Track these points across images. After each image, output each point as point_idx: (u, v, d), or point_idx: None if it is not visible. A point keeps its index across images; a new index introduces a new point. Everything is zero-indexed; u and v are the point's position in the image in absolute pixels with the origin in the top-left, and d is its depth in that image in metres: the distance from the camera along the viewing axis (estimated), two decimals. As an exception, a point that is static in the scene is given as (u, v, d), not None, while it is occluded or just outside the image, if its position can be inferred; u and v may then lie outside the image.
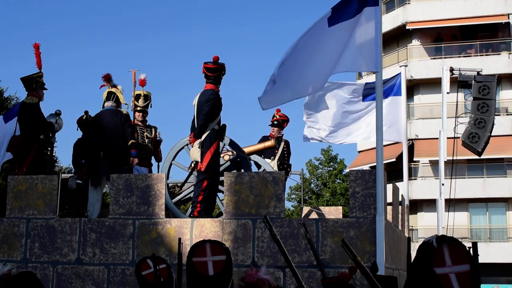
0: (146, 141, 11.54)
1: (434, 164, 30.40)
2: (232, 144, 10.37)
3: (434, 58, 35.55)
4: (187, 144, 10.14)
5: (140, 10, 73.47)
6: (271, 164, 11.70)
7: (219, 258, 3.69)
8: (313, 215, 12.23)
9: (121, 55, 72.26)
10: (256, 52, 72.72)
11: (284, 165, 12.10)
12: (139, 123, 11.58)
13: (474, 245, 3.23)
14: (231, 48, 71.17)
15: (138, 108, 11.61)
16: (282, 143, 12.25)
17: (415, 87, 35.36)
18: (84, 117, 11.48)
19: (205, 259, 3.68)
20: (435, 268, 2.84)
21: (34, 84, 10.54)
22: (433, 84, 31.98)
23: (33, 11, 72.97)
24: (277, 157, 12.06)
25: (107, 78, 10.79)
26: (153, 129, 11.76)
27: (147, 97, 11.69)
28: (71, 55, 71.07)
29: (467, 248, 2.96)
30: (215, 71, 9.58)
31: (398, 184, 10.97)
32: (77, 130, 11.55)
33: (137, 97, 11.58)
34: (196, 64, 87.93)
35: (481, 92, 13.88)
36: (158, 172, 11.21)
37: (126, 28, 73.76)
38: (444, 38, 36.10)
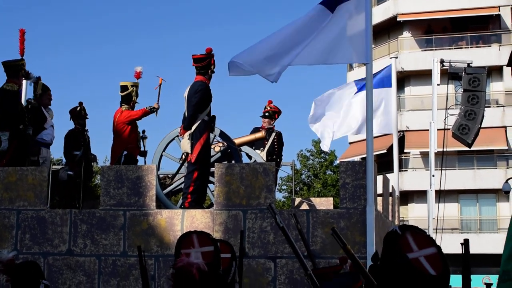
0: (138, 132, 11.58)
1: (425, 155, 30.50)
2: (223, 135, 10.38)
3: (425, 50, 35.63)
4: (177, 136, 10.15)
5: (141, 11, 73.31)
6: (261, 155, 11.71)
7: (207, 249, 3.69)
8: (304, 206, 12.26)
9: (123, 54, 72.00)
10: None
11: (273, 156, 12.10)
12: None
13: (466, 241, 3.26)
14: (231, 45, 71.08)
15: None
16: (273, 134, 12.26)
17: (405, 78, 35.43)
18: (78, 108, 11.47)
19: (193, 250, 3.68)
20: (407, 254, 2.90)
21: (18, 71, 10.29)
22: (423, 76, 32.00)
23: (35, 10, 72.61)
24: (266, 148, 12.06)
25: (25, 75, 10.90)
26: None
27: (137, 89, 11.68)
28: (74, 54, 70.93)
29: (428, 233, 3.02)
30: (201, 61, 9.59)
31: (388, 175, 11.01)
32: (70, 120, 11.54)
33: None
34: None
35: (471, 84, 13.90)
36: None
37: (128, 28, 73.53)
38: (435, 30, 36.15)
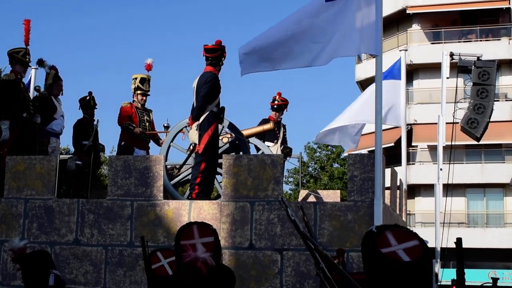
0: (147, 124, 11.59)
1: (433, 149, 30.40)
2: (231, 127, 10.36)
3: (434, 43, 35.50)
4: (185, 126, 10.14)
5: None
6: (274, 148, 11.69)
7: (207, 240, 3.66)
8: (311, 199, 12.25)
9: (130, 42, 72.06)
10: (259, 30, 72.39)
11: (287, 149, 12.10)
12: (139, 107, 11.62)
13: (459, 240, 3.24)
14: (235, 30, 70.92)
15: (140, 92, 11.63)
16: (282, 127, 12.24)
17: (414, 71, 35.33)
18: (87, 98, 11.54)
19: (193, 241, 3.66)
20: (380, 249, 2.85)
21: (11, 60, 10.25)
22: (432, 69, 31.93)
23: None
24: (279, 141, 12.04)
25: (39, 62, 11.04)
26: (150, 112, 11.81)
27: (149, 82, 11.77)
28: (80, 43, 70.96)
29: (412, 231, 2.99)
30: (213, 52, 9.56)
31: (396, 168, 10.98)
32: (79, 109, 11.60)
33: (142, 81, 11.64)
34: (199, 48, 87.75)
35: (481, 77, 13.82)
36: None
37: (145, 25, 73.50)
38: (444, 23, 36.00)
